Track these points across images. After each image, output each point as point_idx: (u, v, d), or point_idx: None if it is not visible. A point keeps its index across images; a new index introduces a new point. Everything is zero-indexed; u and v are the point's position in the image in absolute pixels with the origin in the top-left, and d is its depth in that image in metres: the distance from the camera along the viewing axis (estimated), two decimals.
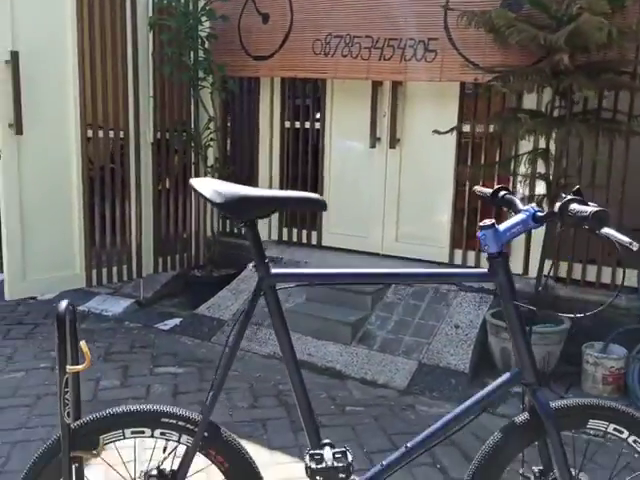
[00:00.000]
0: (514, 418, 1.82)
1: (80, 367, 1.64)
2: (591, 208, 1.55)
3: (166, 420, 1.69)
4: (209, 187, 1.64)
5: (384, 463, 1.79)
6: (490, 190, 1.89)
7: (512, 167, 4.01)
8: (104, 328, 4.71)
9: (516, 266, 4.30)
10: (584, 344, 3.65)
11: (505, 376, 1.82)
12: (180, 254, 5.66)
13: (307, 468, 1.67)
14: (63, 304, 1.66)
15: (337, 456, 1.69)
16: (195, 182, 1.67)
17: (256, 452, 2.90)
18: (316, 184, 5.24)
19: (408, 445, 1.79)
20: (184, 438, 1.71)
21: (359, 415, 3.35)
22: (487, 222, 1.71)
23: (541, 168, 3.77)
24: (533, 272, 4.05)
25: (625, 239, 1.49)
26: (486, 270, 1.76)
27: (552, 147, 3.70)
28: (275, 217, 5.47)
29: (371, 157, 4.95)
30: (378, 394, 3.64)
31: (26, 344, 4.34)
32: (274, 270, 1.69)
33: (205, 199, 1.62)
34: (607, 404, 1.84)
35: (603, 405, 1.83)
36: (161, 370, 3.94)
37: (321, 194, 5.23)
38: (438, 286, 4.35)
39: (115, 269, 5.26)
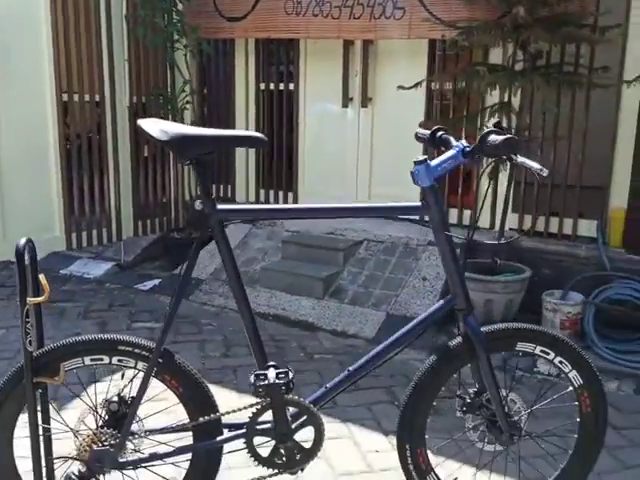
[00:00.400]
0: (448, 342, 1.95)
1: (40, 299, 1.75)
2: (504, 136, 1.66)
3: (122, 348, 1.81)
4: (156, 127, 1.73)
5: (327, 386, 1.92)
6: (429, 131, 1.99)
7: (478, 122, 4.11)
8: (85, 289, 4.81)
9: (483, 221, 4.43)
10: (544, 292, 3.79)
11: (440, 302, 1.94)
12: (160, 218, 5.76)
13: (251, 385, 1.79)
14: (22, 240, 1.76)
15: (280, 375, 1.81)
16: (143, 122, 1.76)
17: (226, 396, 3.07)
18: (291, 145, 5.32)
19: (350, 369, 1.92)
20: (140, 365, 1.83)
21: (327, 361, 3.49)
22: (420, 158, 1.81)
23: (505, 122, 3.87)
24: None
25: (536, 166, 1.60)
26: (419, 203, 1.87)
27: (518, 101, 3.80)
28: (252, 178, 5.56)
29: (344, 117, 5.04)
30: (347, 343, 3.79)
31: (8, 305, 4.44)
32: (220, 206, 1.80)
33: (151, 137, 1.72)
34: (534, 328, 1.97)
35: (530, 328, 1.97)
36: (138, 325, 4.08)
37: (296, 155, 5.32)
38: (408, 241, 4.47)
39: (95, 232, 5.36)
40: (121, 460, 1.80)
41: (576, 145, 4.04)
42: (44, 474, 1.81)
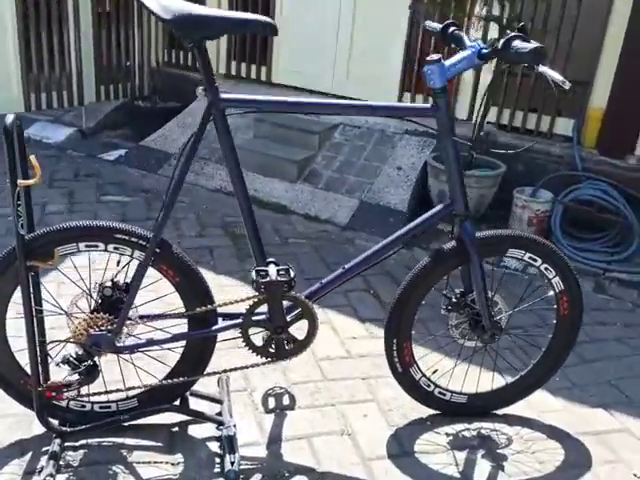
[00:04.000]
0: (442, 245, 1.99)
1: (31, 181, 1.67)
2: (532, 45, 1.60)
3: (119, 236, 1.77)
4: (158, 1, 1.59)
5: (323, 282, 1.95)
6: (440, 25, 1.90)
7: (467, 8, 3.95)
8: (46, 155, 4.61)
9: (461, 112, 4.38)
10: (516, 189, 3.85)
11: (439, 206, 1.96)
12: (123, 83, 5.47)
13: (253, 282, 1.80)
14: (10, 117, 1.65)
15: (281, 272, 1.82)
16: None
17: (205, 276, 3.09)
18: (267, 13, 5.03)
19: (345, 266, 1.95)
20: (137, 253, 1.80)
21: (301, 246, 3.53)
22: (434, 57, 1.74)
23: (496, 11, 3.73)
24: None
25: (559, 77, 1.56)
26: (429, 105, 1.82)
27: None
28: (223, 49, 5.29)
29: None
30: (321, 229, 3.82)
31: None
32: (224, 95, 1.71)
33: (152, 13, 1.59)
34: (525, 235, 2.03)
35: (521, 236, 2.02)
36: (108, 198, 3.99)
37: None
38: (385, 128, 4.41)
39: (55, 95, 5.08)
40: (118, 344, 1.82)
41: (564, 37, 3.95)
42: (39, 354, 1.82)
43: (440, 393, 2.15)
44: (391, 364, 2.08)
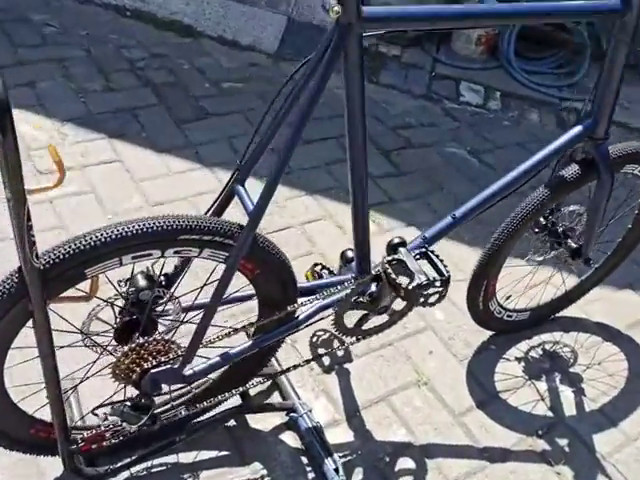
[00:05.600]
0: (563, 172, 1.58)
1: (51, 184, 0.95)
2: None
3: (186, 237, 1.13)
4: None
5: (426, 235, 1.49)
6: None
7: None
8: None
9: None
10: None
11: (578, 128, 1.50)
12: None
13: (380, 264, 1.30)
14: None
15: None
16: None
17: (142, 156, 2.36)
18: None
19: (455, 214, 1.49)
20: (206, 252, 1.19)
21: (242, 95, 2.82)
22: None
23: None
24: None
25: None
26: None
27: None
28: None
29: None
30: (248, 61, 3.07)
31: None
32: (367, 10, 1.03)
33: None
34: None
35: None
36: None
37: None
38: None
39: None
40: (187, 373, 1.28)
41: None
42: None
43: (508, 316, 1.91)
44: (473, 303, 1.77)
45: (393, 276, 1.24)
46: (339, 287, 1.40)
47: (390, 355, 1.84)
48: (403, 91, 3.12)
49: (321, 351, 1.78)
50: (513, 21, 1.29)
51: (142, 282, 1.23)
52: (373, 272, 1.37)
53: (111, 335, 1.26)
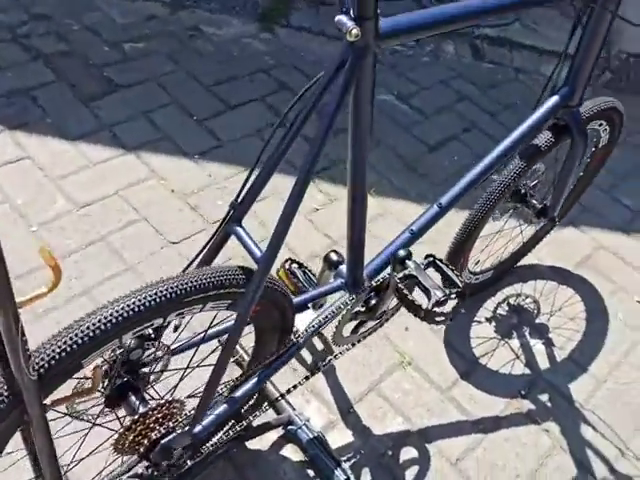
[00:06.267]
0: (536, 141, 1.53)
1: (44, 290, 0.77)
2: None
3: (190, 299, 0.98)
4: None
5: (413, 229, 1.41)
6: None
7: None
8: None
9: None
10: None
11: (554, 99, 1.44)
12: None
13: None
14: None
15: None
16: None
17: (53, 147, 2.07)
18: None
19: (442, 202, 1.42)
20: (209, 305, 1.05)
21: (148, 57, 2.52)
22: None
23: None
24: None
25: None
26: None
27: None
28: None
29: None
30: (144, 12, 2.75)
31: None
32: (383, 24, 0.89)
33: None
34: (617, 104, 1.65)
35: (613, 106, 1.64)
36: None
37: None
38: None
39: None
40: (197, 431, 1.16)
41: None
42: None
43: (476, 279, 1.90)
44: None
45: (410, 298, 1.17)
46: (335, 300, 1.31)
47: (370, 340, 1.79)
48: (317, 33, 2.93)
49: (318, 364, 1.69)
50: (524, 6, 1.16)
51: (131, 341, 1.08)
52: (373, 283, 1.29)
53: (102, 404, 1.11)
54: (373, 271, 1.38)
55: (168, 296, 0.95)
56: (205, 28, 2.75)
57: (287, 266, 1.55)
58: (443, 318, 1.19)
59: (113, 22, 2.65)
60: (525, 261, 2.11)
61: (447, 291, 1.18)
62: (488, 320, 1.94)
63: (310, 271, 1.54)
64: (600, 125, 1.69)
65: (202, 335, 1.18)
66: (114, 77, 2.38)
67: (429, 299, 1.16)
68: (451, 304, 1.22)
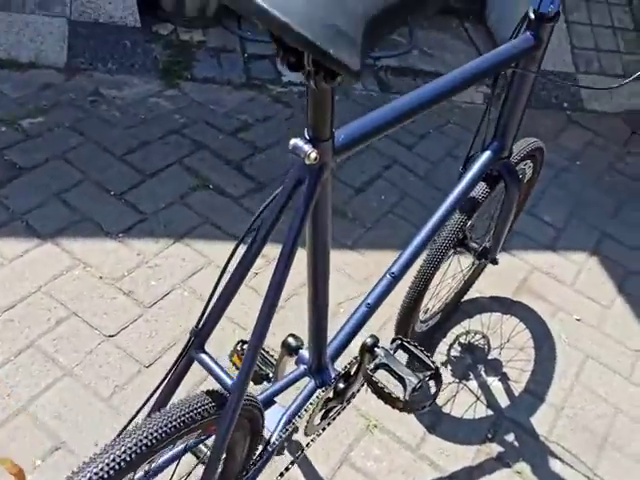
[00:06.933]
0: (472, 194, 1.54)
1: None
2: None
3: (160, 446, 0.90)
4: None
5: (369, 302, 1.37)
6: None
7: None
8: None
9: None
10: None
11: (486, 155, 1.45)
12: None
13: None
14: None
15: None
16: None
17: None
18: None
19: (369, 302, 1.37)
20: (179, 443, 0.96)
21: (51, 133, 2.37)
22: None
23: None
24: None
25: None
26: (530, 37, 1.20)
27: None
28: None
29: None
30: (38, 82, 2.59)
31: None
32: (337, 137, 0.84)
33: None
34: (541, 145, 1.69)
35: (539, 147, 1.68)
36: None
37: None
38: None
39: None
40: None
41: None
42: None
43: (426, 326, 1.90)
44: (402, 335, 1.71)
45: (387, 390, 1.13)
46: (301, 390, 1.25)
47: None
48: (223, 83, 2.86)
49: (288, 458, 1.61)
50: (458, 91, 1.15)
51: None
52: (340, 370, 1.24)
53: None
54: (335, 352, 1.34)
55: (137, 452, 0.86)
56: (106, 91, 2.63)
57: (240, 349, 1.48)
58: (424, 405, 1.16)
59: (5, 97, 2.48)
60: (467, 295, 2.14)
61: (421, 376, 1.16)
62: (444, 364, 1.94)
63: (265, 350, 1.48)
64: (525, 164, 1.73)
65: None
66: (17, 160, 2.21)
67: (405, 388, 1.13)
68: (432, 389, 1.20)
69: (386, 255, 2.18)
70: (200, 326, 0.99)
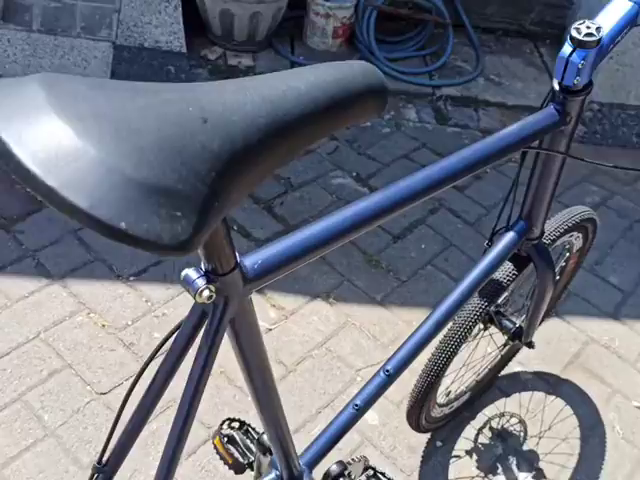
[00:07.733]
0: (497, 276, 1.31)
1: None
2: None
3: None
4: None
5: (357, 404, 1.17)
6: None
7: None
8: None
9: None
10: None
11: (510, 235, 1.22)
12: None
13: None
14: None
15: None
16: None
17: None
18: None
19: (388, 369, 1.18)
20: None
21: None
22: (582, 31, 0.87)
23: None
24: None
25: None
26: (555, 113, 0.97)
27: None
28: None
29: None
30: None
31: None
32: (247, 263, 0.66)
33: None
34: (577, 221, 1.44)
35: (577, 223, 1.43)
36: None
37: None
38: None
39: None
40: None
41: None
42: None
43: (449, 408, 1.67)
44: (416, 423, 1.50)
45: None
46: None
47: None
48: None
49: None
50: (458, 179, 0.96)
51: None
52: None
53: None
54: (314, 459, 1.15)
55: None
56: None
57: (224, 431, 1.32)
58: None
59: None
60: (507, 369, 1.89)
61: None
62: (468, 453, 1.70)
63: (254, 429, 1.31)
64: (571, 236, 1.48)
65: None
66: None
67: None
68: None
69: (420, 314, 1.97)
70: (103, 463, 0.81)
